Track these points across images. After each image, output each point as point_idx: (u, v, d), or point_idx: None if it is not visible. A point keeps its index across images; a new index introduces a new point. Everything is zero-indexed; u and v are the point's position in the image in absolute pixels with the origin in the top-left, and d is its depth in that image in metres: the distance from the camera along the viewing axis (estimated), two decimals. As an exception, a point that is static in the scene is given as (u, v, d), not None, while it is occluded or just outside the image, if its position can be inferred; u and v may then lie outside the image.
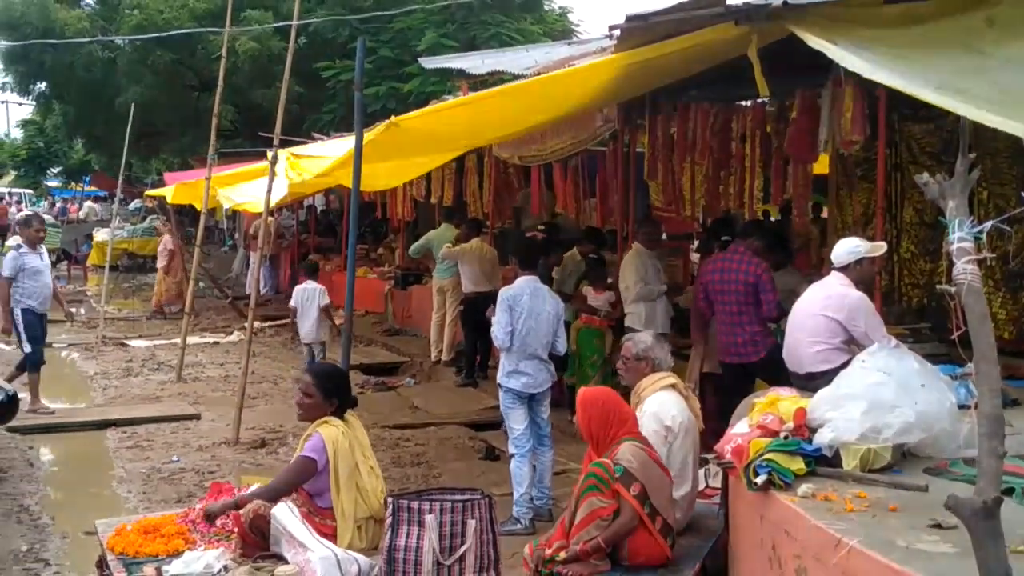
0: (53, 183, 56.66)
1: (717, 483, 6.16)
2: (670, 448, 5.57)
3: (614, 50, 6.84)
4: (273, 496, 5.31)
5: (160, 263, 20.42)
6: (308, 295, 12.29)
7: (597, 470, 5.00)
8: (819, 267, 8.56)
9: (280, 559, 4.96)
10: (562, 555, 4.92)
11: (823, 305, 6.27)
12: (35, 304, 11.15)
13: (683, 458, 5.62)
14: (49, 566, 7.11)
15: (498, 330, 7.56)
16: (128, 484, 9.00)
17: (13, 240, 12.76)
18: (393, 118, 7.92)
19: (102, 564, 5.68)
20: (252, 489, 5.61)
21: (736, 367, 7.85)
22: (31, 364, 11.22)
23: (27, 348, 11.15)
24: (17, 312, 11.02)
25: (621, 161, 10.73)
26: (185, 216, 31.62)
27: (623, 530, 4.91)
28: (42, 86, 27.52)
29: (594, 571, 4.91)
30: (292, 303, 12.58)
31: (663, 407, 5.66)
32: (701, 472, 6.13)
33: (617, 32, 6.66)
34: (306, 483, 5.21)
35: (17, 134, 57.72)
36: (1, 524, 7.91)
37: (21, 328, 11.08)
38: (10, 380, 10.68)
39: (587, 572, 4.90)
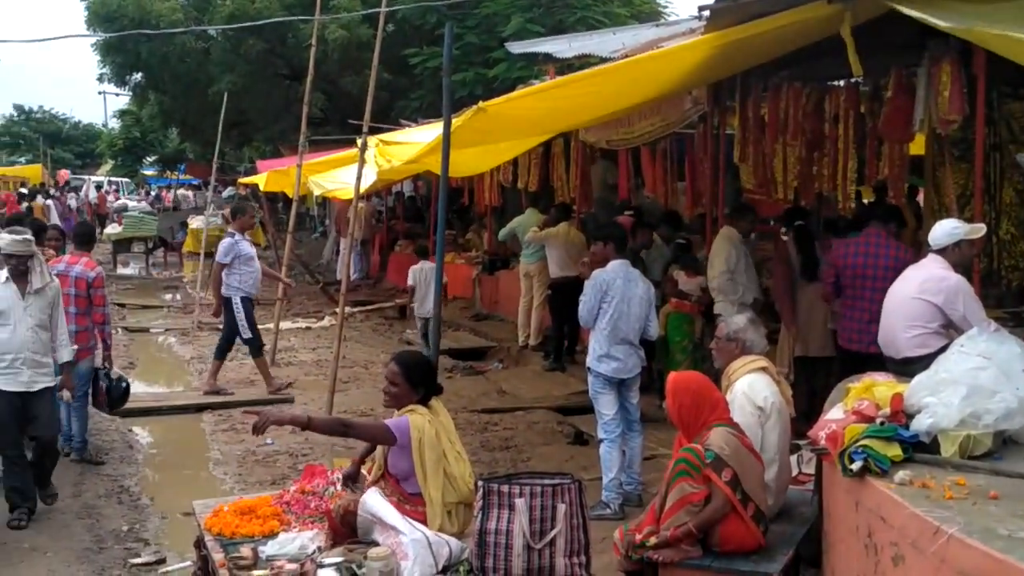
0: (149, 172, 58.04)
1: (810, 469, 6.08)
2: (763, 429, 5.50)
3: (704, 31, 6.77)
4: (344, 429, 5.49)
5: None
6: (426, 274, 12.62)
7: (688, 456, 4.97)
8: (916, 250, 8.36)
9: (373, 545, 5.01)
10: (653, 540, 4.91)
11: (920, 289, 6.14)
12: (251, 290, 11.63)
13: (774, 442, 5.56)
14: (149, 545, 7.31)
15: (583, 309, 7.57)
16: (224, 466, 9.20)
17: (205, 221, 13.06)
18: (481, 103, 7.93)
19: (200, 544, 5.81)
20: (323, 417, 5.78)
21: (854, 355, 7.55)
22: (255, 348, 11.71)
23: (247, 334, 11.57)
24: (237, 300, 11.45)
25: (710, 144, 10.61)
26: (277, 203, 32.22)
27: (714, 516, 4.88)
28: (138, 76, 28.20)
29: (685, 556, 4.89)
30: (410, 282, 13.04)
31: (754, 388, 5.60)
32: (793, 458, 6.05)
33: (707, 13, 6.60)
34: (390, 464, 5.24)
35: (115, 124, 59.33)
36: (103, 504, 8.14)
37: (242, 315, 11.48)
38: (214, 374, 11.64)
39: (678, 557, 4.89)
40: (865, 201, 12.60)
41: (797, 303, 8.77)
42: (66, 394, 7.75)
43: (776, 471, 5.52)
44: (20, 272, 7.28)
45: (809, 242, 8.99)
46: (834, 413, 4.83)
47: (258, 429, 5.16)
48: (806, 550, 5.34)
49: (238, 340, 11.72)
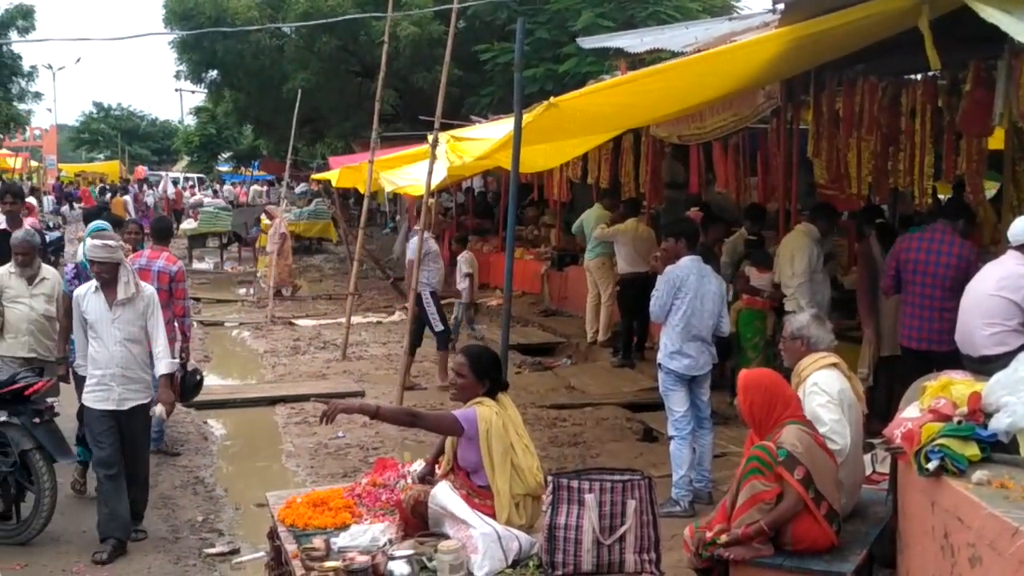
0: (224, 168, 58.96)
1: (884, 468, 5.99)
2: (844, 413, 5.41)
3: (778, 24, 6.69)
4: (411, 419, 5.59)
5: (271, 247, 20.93)
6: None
7: (760, 453, 4.93)
8: (994, 246, 8.19)
9: (443, 537, 5.05)
10: (723, 538, 4.88)
11: (999, 286, 6.01)
12: (437, 286, 12.01)
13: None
14: (223, 536, 7.44)
15: (655, 304, 7.54)
16: (296, 458, 9.33)
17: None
18: (552, 99, 7.93)
19: (273, 535, 5.90)
20: (391, 407, 6.11)
21: (918, 354, 7.40)
22: (443, 341, 11.97)
23: (439, 327, 11.86)
24: (426, 294, 11.71)
25: (783, 139, 10.50)
26: (348, 199, 32.52)
27: (786, 515, 4.83)
28: (214, 74, 28.64)
29: (756, 555, 4.86)
30: (468, 270, 14.02)
31: (826, 383, 5.52)
32: (867, 457, 5.97)
33: (781, 6, 6.52)
34: (459, 457, 5.28)
35: (191, 121, 60.38)
36: (179, 495, 8.31)
37: (432, 309, 11.79)
38: (408, 371, 11.52)
39: (749, 556, 4.85)
40: (941, 197, 12.37)
41: (882, 300, 8.60)
42: (159, 409, 7.09)
43: (850, 469, 5.45)
44: (106, 281, 6.80)
45: (892, 239, 8.82)
46: (910, 411, 4.75)
47: (327, 417, 5.23)
48: (880, 550, 5.27)
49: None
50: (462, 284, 14.38)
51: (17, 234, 8.25)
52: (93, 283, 6.90)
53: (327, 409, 5.24)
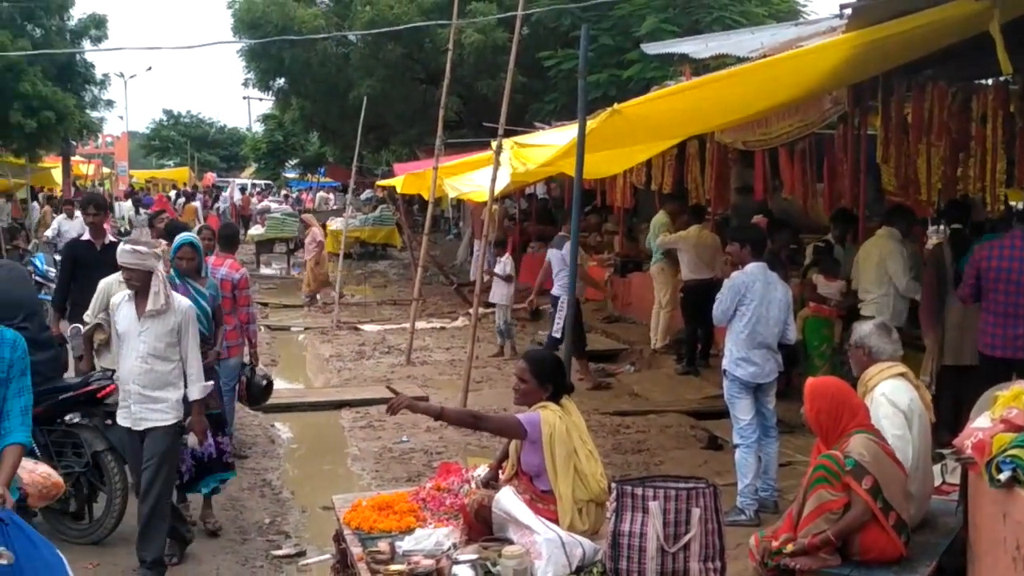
0: (291, 175, 59.64)
1: (954, 479, 5.89)
2: (910, 430, 5.34)
3: (845, 29, 6.64)
4: (474, 422, 5.67)
5: (308, 255, 21.14)
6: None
7: (827, 462, 4.88)
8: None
9: (507, 542, 5.07)
10: (790, 547, 4.84)
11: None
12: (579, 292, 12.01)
13: (917, 450, 5.41)
14: (289, 538, 7.54)
15: (718, 309, 7.53)
16: (361, 462, 9.42)
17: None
18: (616, 105, 7.92)
19: (339, 538, 5.97)
20: (455, 410, 6.13)
21: (999, 361, 7.26)
22: (554, 346, 11.84)
23: (558, 334, 11.75)
24: (564, 299, 11.56)
25: (851, 144, 10.38)
26: (413, 205, 32.72)
27: (854, 524, 4.78)
28: (281, 82, 28.96)
29: (823, 565, 4.81)
30: (510, 272, 14.33)
31: (894, 393, 5.45)
32: (937, 468, 5.88)
33: (848, 11, 6.47)
34: (523, 462, 5.30)
35: (258, 128, 61.20)
36: (246, 497, 8.43)
37: (564, 314, 11.75)
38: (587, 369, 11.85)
39: (816, 566, 4.81)
40: (1013, 204, 12.14)
41: (948, 308, 8.46)
42: (191, 439, 6.60)
43: (918, 480, 5.38)
44: (137, 290, 6.30)
45: (965, 246, 8.65)
46: (981, 421, 4.68)
47: (393, 409, 5.37)
48: (949, 562, 5.18)
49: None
50: (504, 288, 14.32)
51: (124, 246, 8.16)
52: (128, 291, 6.45)
53: (394, 400, 5.36)
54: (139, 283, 6.26)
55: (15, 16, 27.67)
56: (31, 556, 4.37)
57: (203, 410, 6.58)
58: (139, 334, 6.26)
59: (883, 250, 8.90)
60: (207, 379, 7.01)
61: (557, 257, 12.39)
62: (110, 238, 8.98)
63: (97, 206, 9.23)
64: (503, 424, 5.48)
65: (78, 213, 20.13)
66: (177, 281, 7.44)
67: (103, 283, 7.70)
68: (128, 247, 6.33)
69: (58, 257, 17.68)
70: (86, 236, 9.12)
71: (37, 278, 15.05)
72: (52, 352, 7.20)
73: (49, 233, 20.48)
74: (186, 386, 6.38)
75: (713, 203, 13.85)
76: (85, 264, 8.64)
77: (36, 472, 6.26)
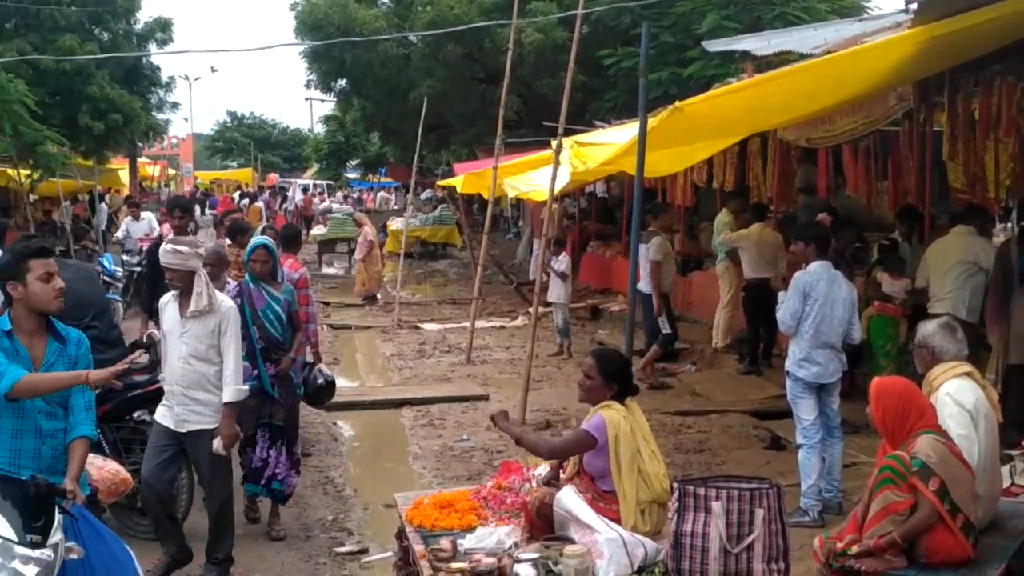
0: (352, 175, 60.19)
1: (1023, 480, 5.79)
2: (975, 430, 5.25)
3: (911, 25, 6.54)
4: (549, 453, 5.59)
5: (359, 254, 21.26)
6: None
7: (893, 463, 4.82)
8: None
9: (569, 541, 5.07)
10: (855, 549, 4.79)
11: None
12: (669, 288, 12.60)
13: (984, 450, 5.31)
14: (352, 535, 7.60)
15: (786, 314, 7.39)
16: (422, 460, 9.47)
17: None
18: (677, 103, 7.89)
19: (401, 535, 6.00)
20: (532, 437, 5.94)
21: None
22: (667, 342, 12.50)
23: (666, 329, 12.30)
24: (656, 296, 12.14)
25: (916, 141, 10.22)
26: (472, 204, 32.84)
27: (920, 526, 4.71)
28: (343, 83, 29.23)
29: (889, 567, 4.75)
30: (566, 271, 14.27)
31: (959, 392, 5.36)
32: (1006, 469, 5.77)
33: (914, 6, 6.38)
34: (585, 462, 5.30)
35: (320, 129, 61.84)
36: (309, 494, 8.51)
37: (663, 311, 12.28)
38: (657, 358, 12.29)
39: (881, 567, 4.74)
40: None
41: (1014, 307, 8.30)
42: (216, 443, 6.20)
43: (986, 481, 5.28)
44: (181, 290, 6.26)
45: None
46: (1052, 423, 4.59)
47: (494, 421, 5.75)
48: (1019, 565, 5.09)
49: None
50: (562, 287, 14.33)
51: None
52: (174, 292, 6.36)
53: (495, 416, 5.78)
54: (182, 283, 6.21)
55: (84, 21, 28.23)
56: (100, 551, 4.47)
57: (234, 414, 6.30)
58: (181, 335, 6.21)
59: (963, 249, 8.73)
60: (281, 386, 7.15)
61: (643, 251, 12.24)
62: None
63: (183, 209, 9.25)
64: (575, 445, 5.41)
65: (144, 215, 20.66)
66: (251, 285, 7.48)
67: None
68: (170, 247, 6.24)
69: (125, 257, 18.14)
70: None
71: (105, 278, 15.36)
72: (120, 350, 7.26)
73: (119, 234, 20.93)
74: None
75: (775, 201, 13.72)
76: None
77: (105, 468, 6.40)
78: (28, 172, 22.37)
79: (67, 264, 7.50)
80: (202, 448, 6.24)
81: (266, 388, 7.45)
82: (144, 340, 8.17)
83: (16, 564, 4.03)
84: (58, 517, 4.26)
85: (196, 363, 6.18)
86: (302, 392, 8.21)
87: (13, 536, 4.07)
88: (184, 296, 6.23)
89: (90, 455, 4.77)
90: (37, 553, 4.08)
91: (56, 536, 4.19)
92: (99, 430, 5.79)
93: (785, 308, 7.41)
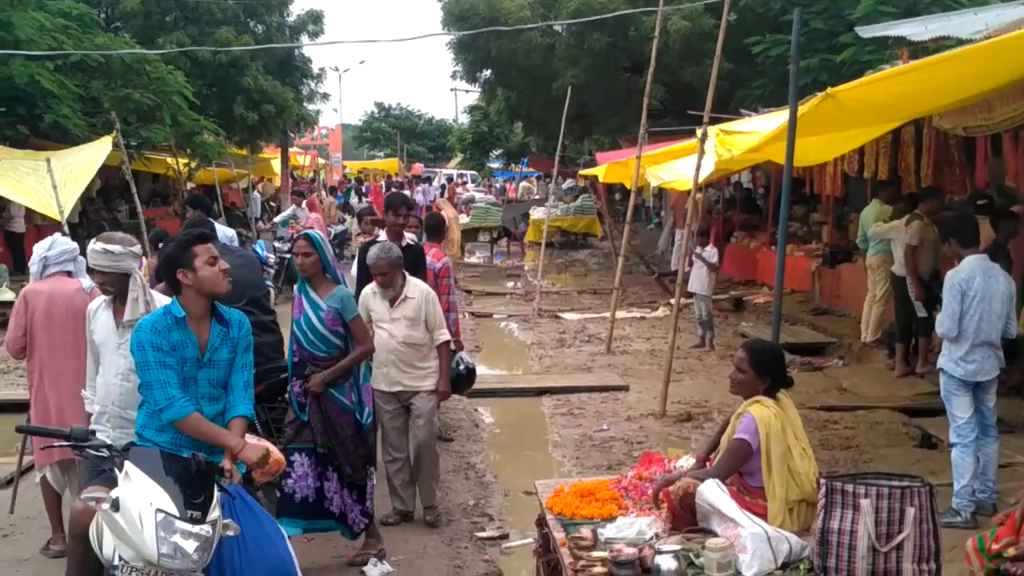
0: (494, 164, 60.72)
1: None
2: None
3: (1081, 6, 6.22)
4: (717, 479, 5.33)
5: None
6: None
7: (1054, 465, 4.61)
8: None
9: (710, 533, 5.01)
10: (1011, 551, 4.59)
11: None
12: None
13: None
14: (493, 520, 7.68)
15: (945, 318, 7.12)
16: (562, 449, 9.50)
17: None
18: (829, 89, 7.70)
19: (541, 522, 6.02)
20: (694, 474, 5.40)
21: None
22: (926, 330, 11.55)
23: (923, 313, 11.18)
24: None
25: (1085, 129, 9.73)
26: (614, 194, 32.72)
27: (1084, 532, 4.50)
28: (487, 73, 29.53)
29: (1048, 574, 4.54)
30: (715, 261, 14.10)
31: None
32: None
33: (1085, -14, 6.05)
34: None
35: (464, 119, 62.59)
36: (452, 479, 8.62)
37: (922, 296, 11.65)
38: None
39: (1040, 574, 4.55)
40: None
41: None
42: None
43: None
44: (113, 296, 5.37)
45: None
46: None
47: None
48: None
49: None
50: (704, 278, 14.10)
51: (372, 250, 7.36)
52: (104, 297, 5.47)
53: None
54: (114, 288, 5.34)
55: (239, 14, 29.17)
56: (254, 529, 4.62)
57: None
58: (118, 347, 5.22)
59: None
60: (317, 408, 6.54)
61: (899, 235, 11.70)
62: (408, 240, 8.63)
63: (409, 207, 8.92)
64: (735, 457, 5.28)
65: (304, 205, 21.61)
66: (297, 292, 6.78)
67: (362, 294, 7.44)
68: (99, 246, 5.35)
69: (277, 244, 18.78)
70: (382, 237, 8.65)
71: (257, 264, 15.84)
72: (276, 336, 7.48)
73: (278, 219, 21.89)
74: None
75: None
76: None
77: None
78: (186, 161, 23.31)
79: (230, 250, 7.72)
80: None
81: (293, 407, 6.71)
82: None
83: (177, 538, 4.20)
84: (216, 494, 4.42)
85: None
86: (369, 420, 6.76)
87: (175, 511, 4.23)
88: (118, 302, 5.34)
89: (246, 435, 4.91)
90: (197, 529, 4.24)
91: (214, 513, 4.35)
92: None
93: (943, 311, 7.14)
